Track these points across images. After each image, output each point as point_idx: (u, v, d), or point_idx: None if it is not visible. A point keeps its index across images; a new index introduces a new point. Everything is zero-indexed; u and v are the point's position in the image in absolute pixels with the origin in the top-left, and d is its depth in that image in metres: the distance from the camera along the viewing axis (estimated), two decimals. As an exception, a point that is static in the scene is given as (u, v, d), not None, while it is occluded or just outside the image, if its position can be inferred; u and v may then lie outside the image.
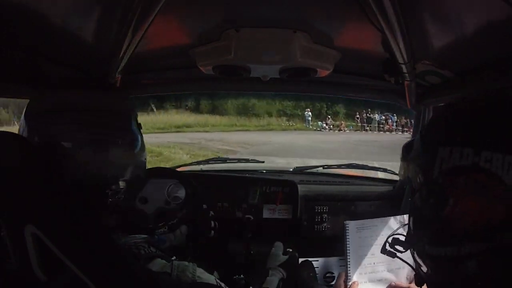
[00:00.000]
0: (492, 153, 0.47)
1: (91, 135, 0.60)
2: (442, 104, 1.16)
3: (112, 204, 0.63)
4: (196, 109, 12.25)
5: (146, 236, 0.66)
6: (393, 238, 0.67)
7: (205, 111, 12.35)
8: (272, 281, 1.02)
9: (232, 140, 10.13)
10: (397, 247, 0.67)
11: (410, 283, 0.97)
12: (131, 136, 0.66)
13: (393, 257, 0.73)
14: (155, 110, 9.43)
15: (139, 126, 0.70)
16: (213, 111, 12.33)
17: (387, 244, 0.70)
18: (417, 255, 0.58)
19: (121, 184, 0.63)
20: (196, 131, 11.35)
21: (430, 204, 0.53)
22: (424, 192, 0.54)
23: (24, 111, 0.63)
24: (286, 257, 1.12)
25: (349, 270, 1.02)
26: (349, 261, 1.02)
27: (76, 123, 0.60)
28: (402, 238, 0.66)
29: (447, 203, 0.50)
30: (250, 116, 12.88)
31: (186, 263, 0.66)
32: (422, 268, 0.58)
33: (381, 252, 0.74)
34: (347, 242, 0.91)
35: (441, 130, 0.55)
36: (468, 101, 0.59)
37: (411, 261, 0.63)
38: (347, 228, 0.93)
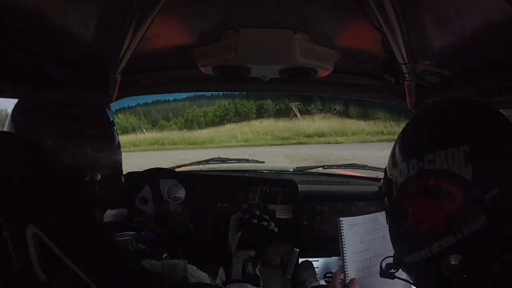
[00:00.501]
0: (433, 153, 0.49)
1: (62, 128, 0.62)
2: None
3: (90, 195, 0.63)
4: (345, 113, 9.57)
5: (133, 233, 0.66)
6: (386, 264, 0.69)
7: (355, 115, 9.43)
8: (236, 270, 0.98)
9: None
10: (391, 271, 0.69)
11: None
12: (103, 131, 0.68)
13: (393, 279, 0.75)
14: (299, 115, 8.46)
15: (111, 123, 0.72)
16: (363, 115, 9.14)
17: (382, 269, 0.73)
18: (404, 269, 0.60)
19: (98, 176, 0.63)
20: (326, 142, 8.76)
21: (396, 218, 0.57)
22: (390, 210, 0.58)
23: (11, 114, 0.65)
24: (238, 234, 1.07)
25: (346, 267, 1.02)
26: (346, 258, 1.02)
27: (50, 119, 0.62)
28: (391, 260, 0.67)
29: (407, 213, 0.53)
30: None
31: (177, 261, 0.65)
32: (414, 283, 0.60)
33: (381, 276, 0.76)
34: (343, 239, 0.91)
35: (394, 151, 0.58)
36: (415, 115, 0.65)
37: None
38: (341, 225, 0.94)
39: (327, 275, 1.36)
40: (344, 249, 0.99)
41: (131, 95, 1.27)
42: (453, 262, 0.49)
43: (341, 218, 0.92)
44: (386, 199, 0.59)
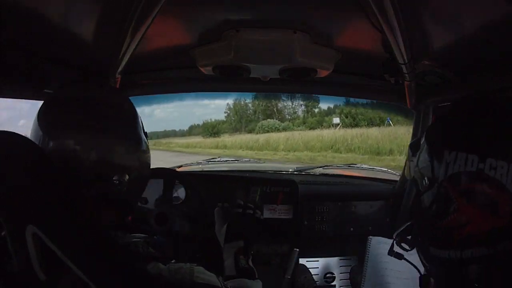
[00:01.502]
0: (497, 160, 0.47)
1: (89, 125, 0.60)
2: (443, 104, 1.17)
3: (115, 195, 0.62)
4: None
5: (145, 236, 0.66)
6: (400, 236, 0.67)
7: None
8: (229, 265, 0.93)
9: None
10: (403, 245, 0.67)
11: None
12: (135, 136, 0.66)
13: (400, 259, 0.73)
14: (391, 123, 7.76)
15: (143, 130, 0.71)
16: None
17: (395, 243, 0.70)
18: (422, 255, 0.59)
19: (125, 177, 0.62)
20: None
21: (435, 207, 0.54)
22: (429, 195, 0.54)
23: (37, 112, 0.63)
24: (224, 227, 1.02)
25: (363, 284, 1.01)
26: (364, 276, 1.01)
27: (77, 115, 0.60)
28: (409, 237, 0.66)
29: (451, 209, 0.51)
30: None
31: (183, 264, 0.65)
32: (427, 269, 0.58)
33: (388, 253, 0.74)
34: (367, 257, 0.90)
35: (447, 132, 0.55)
36: (474, 103, 0.58)
37: (417, 264, 0.63)
38: (369, 243, 0.92)
39: (327, 275, 1.36)
40: (366, 266, 0.97)
41: (131, 95, 1.27)
42: (474, 272, 0.49)
43: (370, 237, 0.91)
44: (425, 179, 0.55)
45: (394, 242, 0.71)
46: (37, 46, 0.77)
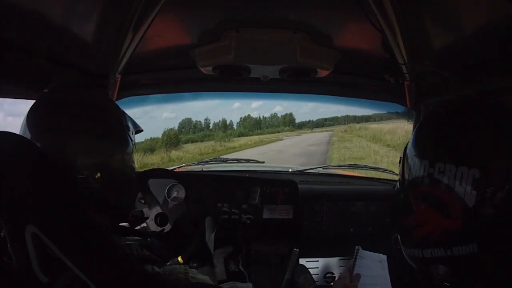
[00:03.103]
0: (445, 164, 0.49)
1: (68, 125, 0.61)
2: (442, 104, 1.17)
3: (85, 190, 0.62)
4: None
5: (139, 238, 0.65)
6: (396, 237, 0.71)
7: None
8: (220, 271, 0.98)
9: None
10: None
11: None
12: (111, 131, 0.67)
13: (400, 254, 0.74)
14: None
15: (126, 128, 0.71)
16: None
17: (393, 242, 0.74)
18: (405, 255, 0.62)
19: (98, 175, 0.62)
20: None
21: (401, 208, 0.58)
22: (400, 197, 0.59)
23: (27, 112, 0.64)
24: (212, 236, 1.05)
25: None
26: None
27: (59, 115, 0.61)
28: None
29: (410, 210, 0.55)
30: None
31: (178, 266, 0.65)
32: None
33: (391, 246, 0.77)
34: (355, 265, 0.92)
35: (413, 141, 0.58)
36: (433, 114, 0.63)
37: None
38: (356, 252, 0.94)
39: (327, 275, 1.36)
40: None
41: (131, 95, 1.27)
42: (440, 271, 0.51)
43: (358, 247, 0.93)
44: (398, 181, 0.60)
45: (392, 241, 0.74)
46: (37, 46, 0.77)
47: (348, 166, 1.75)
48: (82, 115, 0.63)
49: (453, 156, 0.49)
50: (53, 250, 0.48)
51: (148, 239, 1.14)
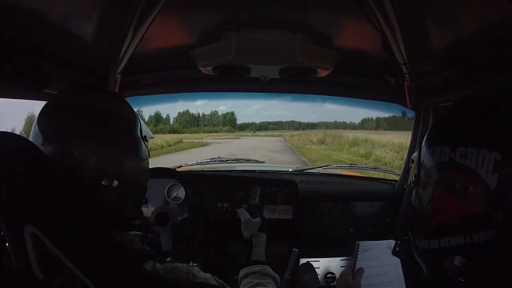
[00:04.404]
0: (467, 148, 0.49)
1: (87, 132, 0.61)
2: (443, 104, 1.17)
3: (101, 201, 0.62)
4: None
5: (139, 233, 0.65)
6: (401, 240, 0.71)
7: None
8: (260, 251, 1.03)
9: None
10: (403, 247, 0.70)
11: None
12: (132, 142, 0.66)
13: (403, 258, 0.76)
14: None
15: (142, 135, 0.71)
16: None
17: (396, 247, 0.74)
18: (414, 251, 0.61)
19: (114, 183, 0.62)
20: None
21: (417, 200, 0.57)
22: (414, 190, 0.58)
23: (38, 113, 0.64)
24: (259, 219, 1.16)
25: None
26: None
27: (75, 120, 0.61)
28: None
29: (428, 199, 0.54)
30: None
31: (180, 264, 0.65)
32: (419, 266, 0.60)
33: (392, 253, 0.78)
34: (356, 261, 0.91)
35: (429, 133, 0.59)
36: (452, 106, 0.63)
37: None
38: (358, 247, 0.93)
39: (328, 275, 1.36)
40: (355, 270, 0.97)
41: (131, 95, 1.27)
42: (456, 263, 0.50)
43: (359, 242, 0.92)
44: (412, 176, 0.59)
45: (397, 242, 0.73)
46: (38, 46, 0.77)
47: (348, 166, 1.74)
48: (103, 122, 0.63)
49: (474, 140, 0.49)
50: (52, 250, 0.48)
51: (149, 234, 1.14)
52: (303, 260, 1.31)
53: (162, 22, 0.77)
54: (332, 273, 1.36)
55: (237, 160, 1.74)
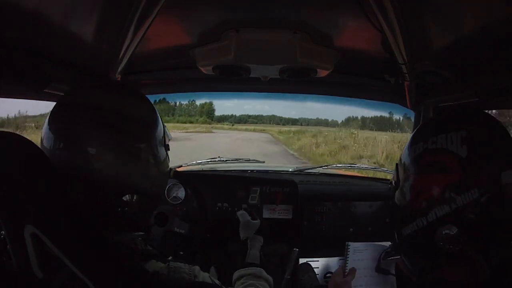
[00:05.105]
0: (437, 136, 0.57)
1: (110, 140, 0.58)
2: (443, 104, 1.17)
3: (120, 215, 0.61)
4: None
5: (142, 233, 0.65)
6: (385, 253, 0.75)
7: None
8: (255, 254, 1.03)
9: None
10: (389, 258, 0.76)
11: None
12: (151, 151, 0.63)
13: (387, 274, 0.79)
14: None
15: (165, 145, 0.68)
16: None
17: (381, 260, 0.78)
18: (401, 249, 0.64)
19: (134, 198, 0.61)
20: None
21: (399, 192, 0.62)
22: (396, 188, 0.63)
23: (51, 110, 0.61)
24: (258, 222, 1.14)
25: None
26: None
27: (98, 125, 0.58)
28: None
29: (409, 187, 0.59)
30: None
31: (182, 264, 0.65)
32: (409, 263, 0.63)
33: (376, 271, 0.79)
34: (347, 263, 0.91)
35: (409, 142, 0.64)
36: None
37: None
38: (348, 249, 0.93)
39: (327, 275, 1.36)
40: (346, 271, 0.98)
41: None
42: (447, 231, 0.53)
43: (349, 243, 0.93)
44: (393, 183, 0.64)
45: (381, 258, 0.75)
46: (38, 46, 0.77)
47: (348, 166, 1.74)
48: (122, 129, 0.59)
49: (442, 128, 0.57)
50: (52, 250, 0.48)
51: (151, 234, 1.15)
52: (302, 260, 1.31)
53: (162, 22, 0.77)
54: (332, 273, 1.36)
55: (237, 160, 1.74)
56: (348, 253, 0.91)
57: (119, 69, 0.98)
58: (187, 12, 0.80)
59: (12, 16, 0.61)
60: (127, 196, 0.61)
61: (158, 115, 0.67)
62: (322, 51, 0.98)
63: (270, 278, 0.93)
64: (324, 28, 0.89)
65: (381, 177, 1.68)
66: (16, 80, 0.74)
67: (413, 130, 1.38)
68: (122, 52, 0.87)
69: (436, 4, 0.65)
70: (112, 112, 0.59)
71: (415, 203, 0.57)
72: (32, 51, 0.78)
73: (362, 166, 1.76)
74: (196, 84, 1.33)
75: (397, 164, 0.65)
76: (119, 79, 1.06)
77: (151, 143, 0.63)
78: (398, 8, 0.67)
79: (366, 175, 1.76)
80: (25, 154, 0.51)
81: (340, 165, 1.74)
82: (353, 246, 0.92)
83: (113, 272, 0.51)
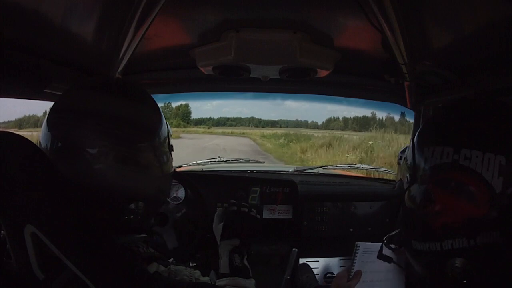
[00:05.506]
0: (471, 150, 0.48)
1: (113, 147, 0.57)
2: (442, 104, 1.17)
3: (126, 222, 0.61)
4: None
5: (144, 235, 0.65)
6: (388, 237, 0.70)
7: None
8: (224, 263, 0.90)
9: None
10: (391, 245, 0.70)
11: None
12: (156, 157, 0.62)
13: (390, 262, 0.74)
14: None
15: (170, 147, 0.67)
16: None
17: (383, 245, 0.72)
18: (408, 252, 0.60)
19: (140, 204, 0.60)
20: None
21: (415, 201, 0.55)
22: (411, 190, 0.56)
23: (49, 112, 0.61)
24: (220, 225, 0.98)
25: None
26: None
27: (99, 131, 0.57)
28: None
29: (428, 200, 0.52)
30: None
31: (183, 267, 0.65)
32: (414, 268, 0.59)
33: (378, 257, 0.75)
34: (354, 263, 0.87)
35: (428, 132, 0.58)
36: (453, 105, 0.61)
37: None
38: (357, 249, 0.89)
39: (327, 275, 1.36)
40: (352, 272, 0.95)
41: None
42: (458, 265, 0.49)
43: (358, 243, 0.88)
44: (407, 176, 0.58)
45: (383, 244, 0.72)
46: (38, 46, 0.77)
47: (348, 166, 1.74)
48: (124, 136, 0.58)
49: (479, 143, 0.49)
50: (52, 250, 0.48)
51: (154, 237, 1.14)
52: (302, 260, 1.31)
53: (162, 22, 0.77)
54: (332, 273, 1.36)
55: (237, 160, 1.74)
56: (357, 254, 0.85)
57: (119, 69, 0.98)
58: (187, 12, 0.80)
59: (12, 16, 0.61)
60: (132, 205, 0.60)
61: (162, 113, 0.65)
62: (322, 51, 0.98)
63: (250, 284, 0.85)
64: (324, 28, 0.89)
65: (381, 177, 1.68)
66: (16, 80, 0.74)
67: (413, 131, 1.39)
68: (122, 52, 0.87)
69: (436, 4, 0.65)
70: (112, 115, 0.58)
71: (432, 223, 0.52)
72: (32, 51, 0.77)
73: (362, 166, 1.76)
74: (196, 84, 1.33)
75: (403, 156, 0.61)
76: (119, 79, 1.06)
77: (153, 144, 0.62)
78: (398, 8, 0.67)
79: (366, 175, 1.76)
80: (26, 154, 0.51)
81: (340, 165, 1.74)
82: (363, 246, 0.85)
83: (114, 274, 0.51)
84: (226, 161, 1.73)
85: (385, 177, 1.65)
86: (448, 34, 0.75)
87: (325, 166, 1.68)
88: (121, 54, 0.89)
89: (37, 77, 0.79)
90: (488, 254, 0.48)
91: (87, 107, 0.59)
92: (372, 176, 1.79)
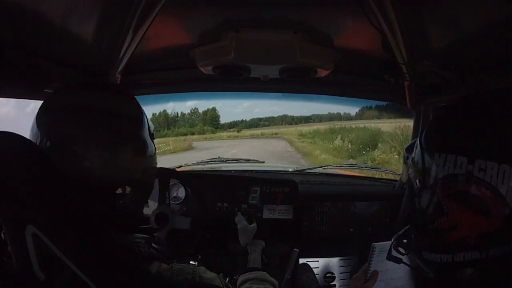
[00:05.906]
0: (486, 161, 0.47)
1: (99, 137, 0.60)
2: (442, 104, 1.17)
3: (118, 207, 0.63)
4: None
5: (146, 236, 0.66)
6: (397, 239, 0.67)
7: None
8: (256, 258, 1.04)
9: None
10: (400, 249, 0.67)
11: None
12: (139, 143, 0.66)
13: (399, 263, 0.73)
14: None
15: (151, 135, 0.70)
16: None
17: (392, 247, 0.70)
18: (418, 259, 0.59)
19: (127, 189, 0.62)
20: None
21: (425, 210, 0.53)
22: (421, 198, 0.54)
23: (37, 112, 0.63)
24: (254, 226, 1.15)
25: None
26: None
27: (86, 124, 0.60)
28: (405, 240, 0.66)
29: (441, 212, 0.50)
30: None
31: (185, 265, 0.65)
32: (425, 272, 0.58)
33: (387, 258, 0.74)
34: (370, 267, 0.87)
35: (438, 135, 0.55)
36: (465, 104, 0.58)
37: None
38: (374, 251, 0.89)
39: (327, 275, 1.36)
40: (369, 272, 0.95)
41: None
42: (469, 276, 0.49)
43: (374, 244, 0.87)
44: (417, 181, 0.55)
45: (392, 246, 0.71)
46: (37, 46, 0.77)
47: (349, 166, 1.74)
48: (110, 126, 0.61)
49: (494, 153, 0.47)
50: (53, 250, 0.48)
51: (156, 237, 1.15)
52: (303, 260, 1.31)
53: (162, 22, 0.77)
54: (332, 273, 1.36)
55: (237, 160, 1.74)
56: (373, 256, 0.84)
57: (119, 69, 0.98)
58: (187, 12, 0.80)
59: (12, 16, 0.61)
60: (119, 189, 0.62)
61: (142, 109, 0.69)
62: (322, 51, 0.98)
63: (275, 281, 0.93)
64: (324, 28, 0.89)
65: (381, 177, 1.68)
66: (16, 80, 0.74)
67: (413, 131, 1.39)
68: (122, 52, 0.87)
69: (436, 4, 0.65)
70: (100, 111, 0.61)
71: (445, 236, 0.50)
72: (32, 51, 0.78)
73: (362, 166, 1.76)
74: (196, 84, 1.33)
75: (411, 156, 0.58)
76: (119, 79, 1.06)
77: (141, 136, 0.66)
78: (398, 8, 0.67)
79: (366, 175, 1.76)
80: (26, 154, 0.51)
81: (340, 165, 1.74)
82: (379, 247, 0.84)
83: (115, 274, 0.51)
84: (226, 160, 1.73)
85: (385, 177, 1.65)
86: (448, 34, 0.75)
87: (325, 166, 1.68)
88: (121, 54, 0.89)
89: (37, 77, 0.79)
90: (499, 265, 0.48)
91: (76, 105, 0.62)
92: (372, 176, 1.79)
